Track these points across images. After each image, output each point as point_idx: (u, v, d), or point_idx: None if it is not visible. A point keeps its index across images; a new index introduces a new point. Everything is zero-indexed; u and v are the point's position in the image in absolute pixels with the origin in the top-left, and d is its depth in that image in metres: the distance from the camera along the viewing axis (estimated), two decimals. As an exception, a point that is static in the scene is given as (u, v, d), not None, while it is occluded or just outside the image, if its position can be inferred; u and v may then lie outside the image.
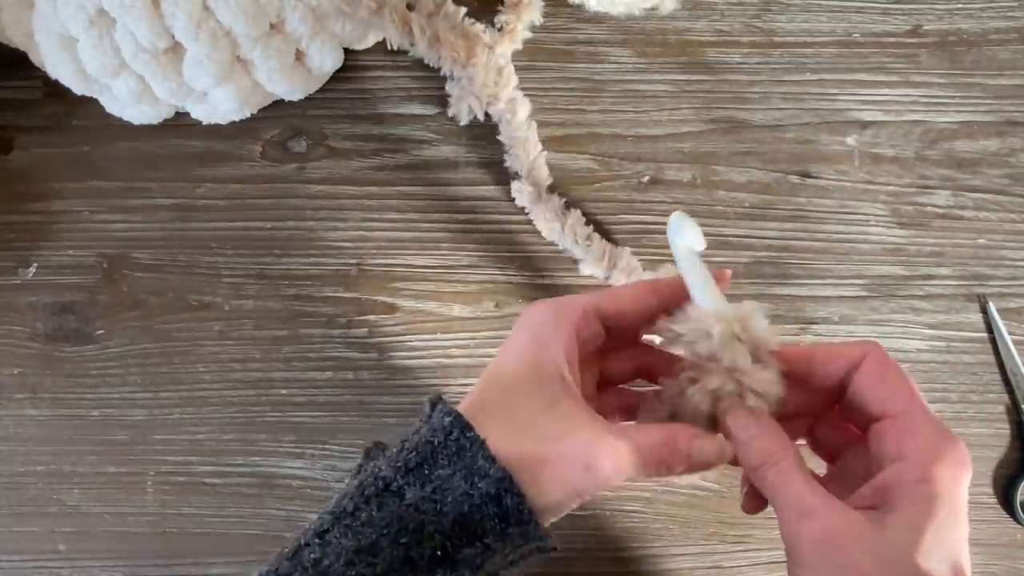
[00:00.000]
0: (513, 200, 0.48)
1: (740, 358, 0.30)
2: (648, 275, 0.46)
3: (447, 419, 0.29)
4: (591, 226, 0.47)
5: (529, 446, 0.29)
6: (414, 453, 0.29)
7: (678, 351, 0.33)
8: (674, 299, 0.32)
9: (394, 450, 0.30)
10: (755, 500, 0.32)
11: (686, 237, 0.33)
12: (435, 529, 0.28)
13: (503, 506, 0.28)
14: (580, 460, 0.29)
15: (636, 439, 0.30)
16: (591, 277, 0.48)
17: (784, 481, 0.29)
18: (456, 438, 0.29)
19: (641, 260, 0.47)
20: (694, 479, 0.47)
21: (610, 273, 0.47)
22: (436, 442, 0.29)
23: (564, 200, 0.48)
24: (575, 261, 0.48)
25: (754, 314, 0.31)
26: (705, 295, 0.32)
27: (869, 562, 0.26)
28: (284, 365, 0.48)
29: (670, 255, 0.47)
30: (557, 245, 0.48)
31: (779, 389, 0.30)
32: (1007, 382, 0.47)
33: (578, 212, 0.47)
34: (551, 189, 0.48)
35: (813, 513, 0.27)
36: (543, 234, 0.48)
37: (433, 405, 0.31)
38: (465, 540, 0.28)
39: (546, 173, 0.47)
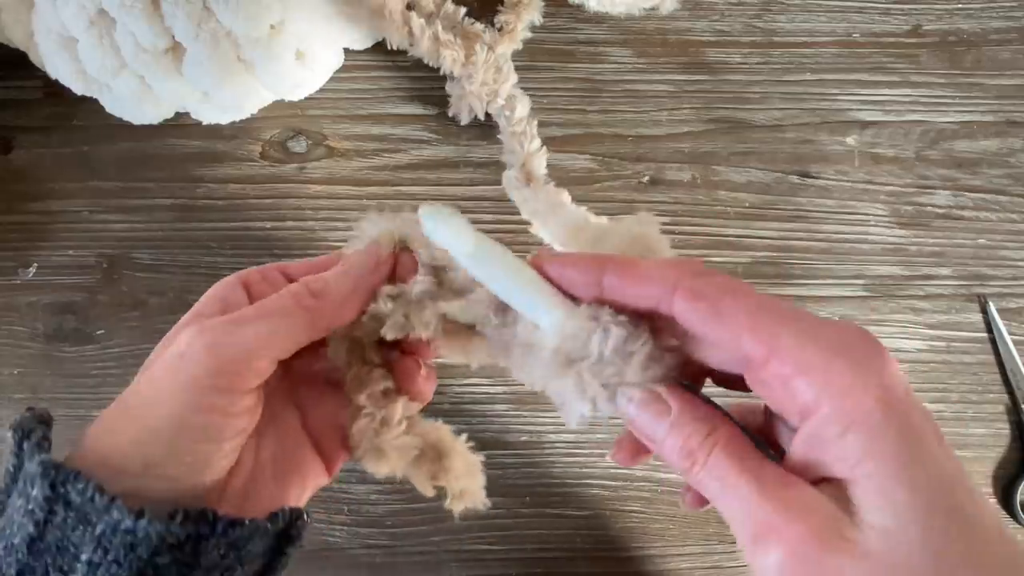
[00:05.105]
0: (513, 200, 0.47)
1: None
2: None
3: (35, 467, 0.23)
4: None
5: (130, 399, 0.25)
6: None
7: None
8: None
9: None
10: (698, 497, 0.26)
11: (446, 239, 0.25)
12: (17, 571, 0.22)
13: (71, 503, 0.22)
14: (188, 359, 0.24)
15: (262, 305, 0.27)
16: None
17: (722, 488, 0.22)
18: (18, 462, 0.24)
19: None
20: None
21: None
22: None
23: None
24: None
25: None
26: (532, 297, 0.24)
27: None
28: (284, 365, 0.48)
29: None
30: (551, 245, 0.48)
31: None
32: (1007, 382, 0.47)
33: (565, 192, 0.46)
34: (551, 189, 0.48)
35: (769, 533, 0.21)
36: (525, 216, 0.46)
37: (19, 448, 0.24)
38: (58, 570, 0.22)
39: (542, 165, 0.47)
